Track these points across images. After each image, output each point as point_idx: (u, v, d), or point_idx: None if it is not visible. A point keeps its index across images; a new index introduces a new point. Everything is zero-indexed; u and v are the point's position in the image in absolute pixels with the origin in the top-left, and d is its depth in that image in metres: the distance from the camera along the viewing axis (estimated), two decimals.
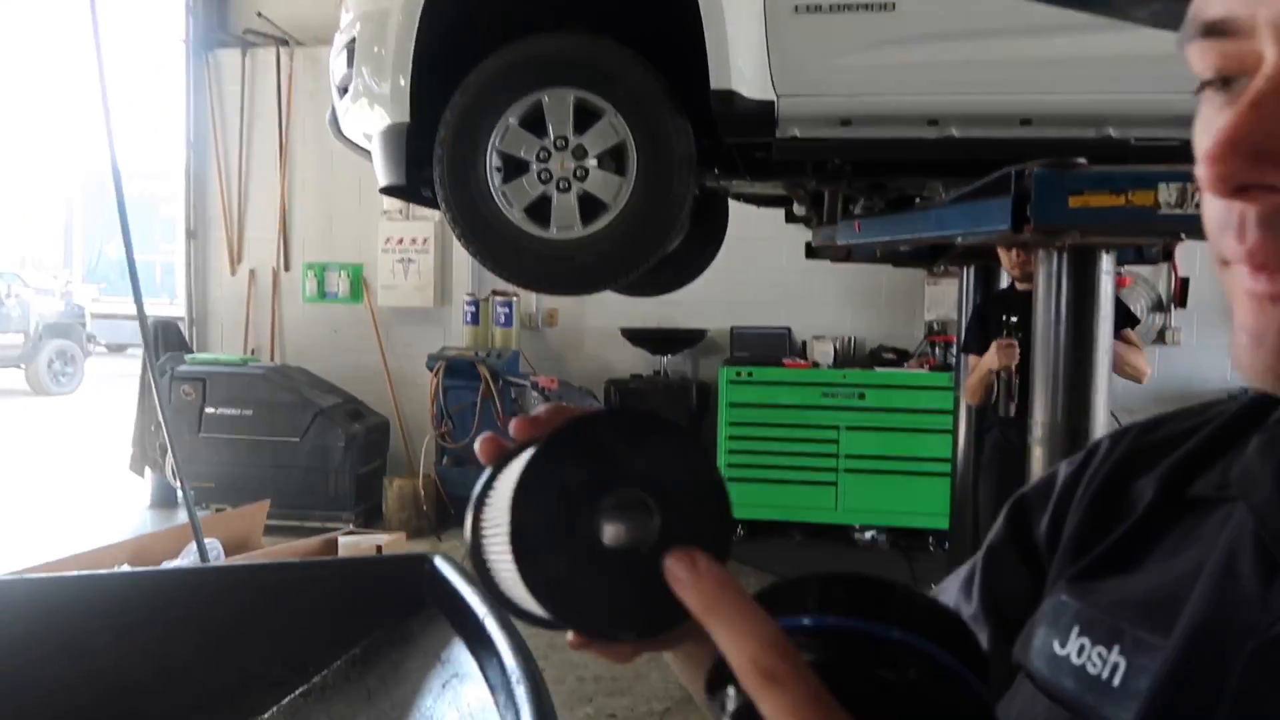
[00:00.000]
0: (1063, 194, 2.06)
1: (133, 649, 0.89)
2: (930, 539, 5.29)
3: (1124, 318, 3.02)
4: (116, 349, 15.21)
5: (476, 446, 0.45)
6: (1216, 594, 0.40)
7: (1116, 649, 0.43)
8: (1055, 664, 0.46)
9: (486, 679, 0.73)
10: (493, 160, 2.50)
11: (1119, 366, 2.93)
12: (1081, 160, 2.11)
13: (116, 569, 0.89)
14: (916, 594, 0.38)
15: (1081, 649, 0.45)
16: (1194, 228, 2.03)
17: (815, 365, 5.43)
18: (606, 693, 3.42)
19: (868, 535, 5.43)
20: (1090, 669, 0.44)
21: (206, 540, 3.56)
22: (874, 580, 0.37)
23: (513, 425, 0.44)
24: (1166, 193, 1.99)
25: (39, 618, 0.87)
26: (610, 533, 0.40)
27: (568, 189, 2.51)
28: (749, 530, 5.40)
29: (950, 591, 0.59)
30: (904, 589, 0.37)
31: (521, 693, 0.64)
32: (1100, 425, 2.53)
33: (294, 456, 5.50)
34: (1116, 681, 0.43)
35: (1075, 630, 0.46)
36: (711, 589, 0.34)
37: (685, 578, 0.35)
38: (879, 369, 5.35)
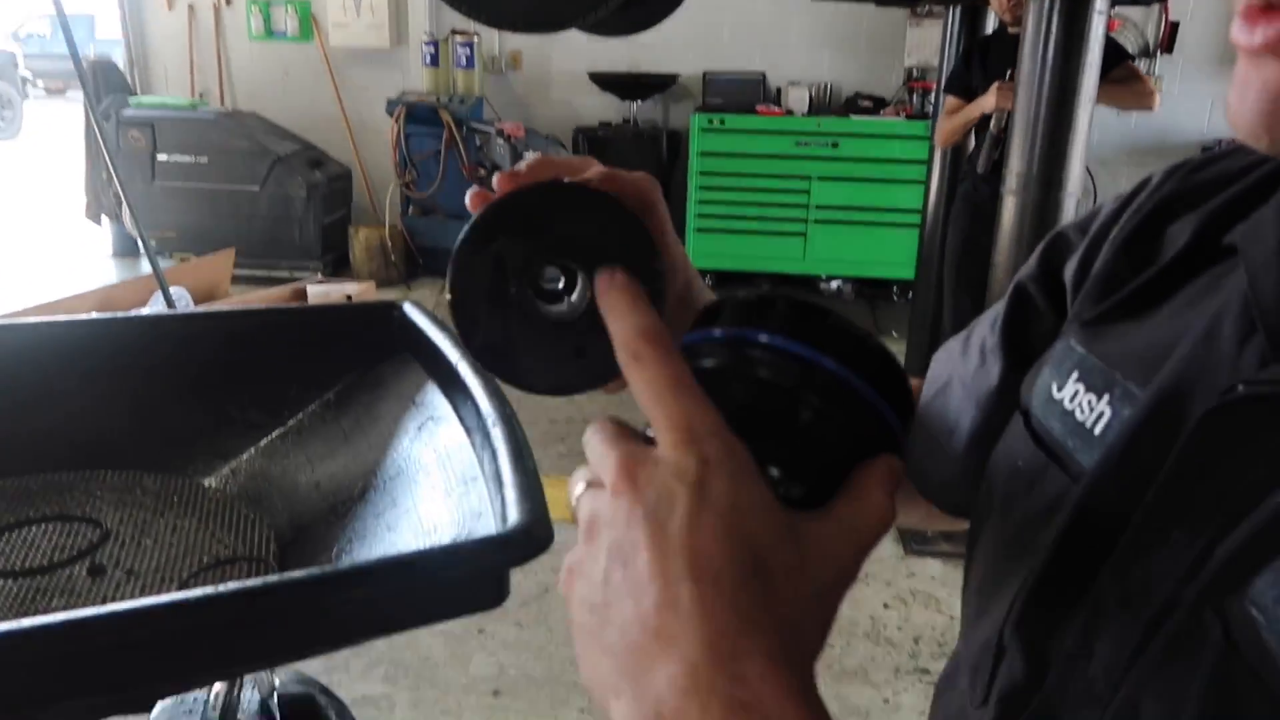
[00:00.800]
0: None
1: (103, 396, 0.88)
2: (895, 289, 5.38)
3: (1117, 55, 2.93)
4: (56, 92, 14.41)
5: (467, 200, 0.45)
6: (1194, 353, 0.39)
7: (1106, 398, 0.43)
8: (1049, 406, 0.46)
9: (462, 421, 0.74)
10: None
11: (1124, 101, 2.90)
12: None
13: (81, 317, 0.88)
14: (846, 322, 0.38)
15: (1075, 395, 0.45)
16: None
17: (789, 113, 5.27)
18: (578, 433, 3.56)
19: (834, 285, 5.51)
20: (1078, 415, 0.44)
21: (174, 289, 3.53)
22: (806, 306, 0.38)
23: (496, 180, 0.44)
24: None
25: (2, 365, 0.85)
26: (544, 300, 0.43)
27: None
28: (717, 280, 5.45)
29: (983, 323, 0.58)
30: (834, 316, 0.38)
31: (498, 434, 0.64)
32: (1075, 177, 2.50)
33: (255, 206, 5.37)
34: (1097, 430, 0.42)
35: (1074, 376, 0.45)
36: (614, 290, 0.39)
37: (601, 284, 0.40)
38: (854, 116, 5.20)
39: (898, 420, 0.38)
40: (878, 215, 5.14)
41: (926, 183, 3.98)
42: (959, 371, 0.57)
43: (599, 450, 0.37)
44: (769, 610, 0.32)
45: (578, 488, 0.38)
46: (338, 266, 5.57)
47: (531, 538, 0.49)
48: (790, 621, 0.32)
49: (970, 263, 3.26)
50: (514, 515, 0.53)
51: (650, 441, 0.36)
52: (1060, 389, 0.46)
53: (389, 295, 5.10)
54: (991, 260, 2.55)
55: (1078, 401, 0.44)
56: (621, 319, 0.38)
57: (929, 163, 3.96)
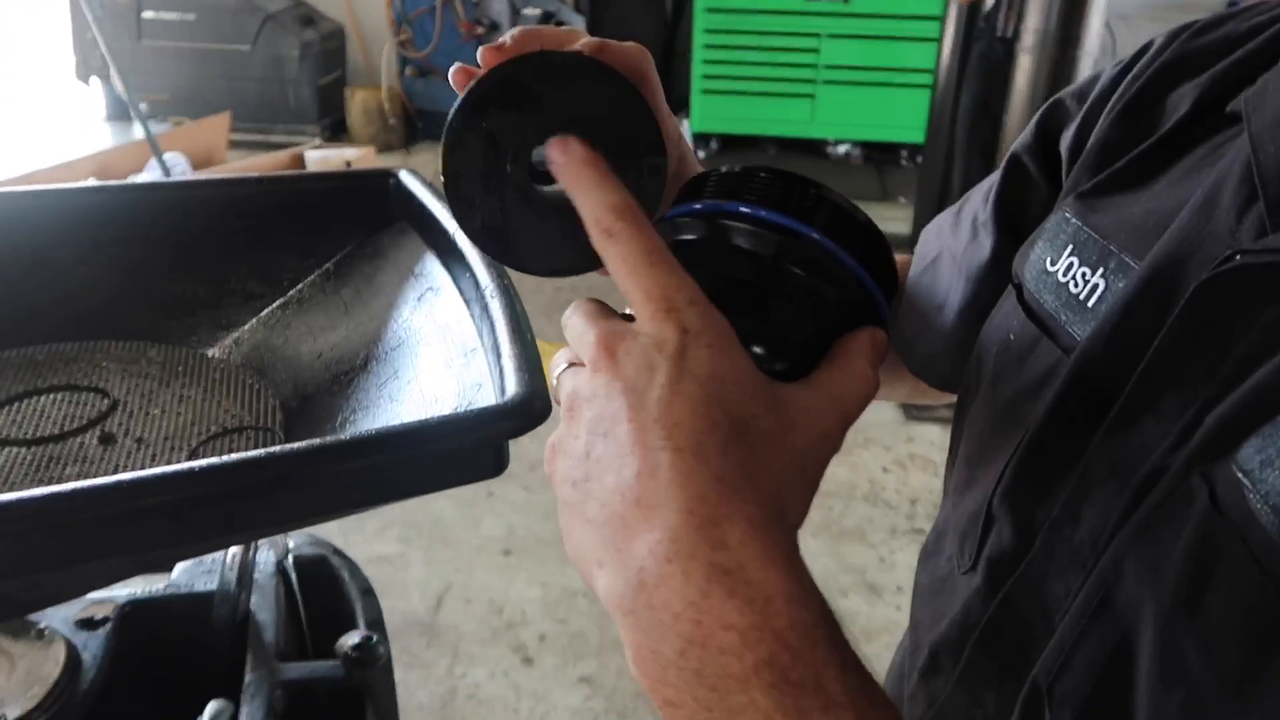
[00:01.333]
0: None
1: (102, 266, 0.88)
2: (903, 153, 5.27)
3: None
4: None
5: (450, 77, 0.43)
6: (1191, 223, 0.38)
7: (1100, 271, 0.42)
8: (1042, 280, 0.45)
9: (461, 292, 0.74)
10: None
11: None
12: None
13: (77, 186, 0.86)
14: (830, 193, 0.37)
15: (1069, 268, 0.44)
16: None
17: None
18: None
19: (841, 149, 5.40)
20: (1072, 288, 0.43)
21: (171, 154, 3.47)
22: (790, 176, 0.37)
23: (480, 54, 0.42)
24: None
25: (1, 236, 0.85)
26: (539, 180, 0.41)
27: None
28: (722, 144, 5.34)
29: (975, 196, 0.57)
30: (818, 187, 0.37)
31: (496, 306, 0.64)
32: (1094, 34, 2.41)
33: (247, 67, 5.21)
34: (1090, 302, 0.42)
35: (1068, 250, 0.44)
36: (575, 165, 0.38)
37: (557, 159, 0.38)
38: None
39: (881, 293, 0.38)
40: (888, 76, 4.98)
41: (940, 41, 3.83)
42: (949, 245, 0.56)
43: (579, 329, 0.37)
44: (750, 478, 0.32)
45: (559, 368, 0.38)
46: (335, 131, 5.45)
47: (529, 409, 0.50)
48: (772, 489, 0.33)
49: (984, 125, 3.18)
50: (512, 386, 0.53)
51: (630, 319, 0.36)
52: (1054, 262, 0.45)
53: (389, 161, 5.01)
54: (1002, 123, 2.49)
55: (1072, 274, 0.43)
56: (588, 195, 0.37)
57: (942, 19, 3.81)
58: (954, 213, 0.58)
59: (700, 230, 0.38)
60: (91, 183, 0.95)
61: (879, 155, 5.36)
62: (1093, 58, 2.37)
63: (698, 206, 0.38)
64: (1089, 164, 0.47)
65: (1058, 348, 0.43)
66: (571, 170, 0.38)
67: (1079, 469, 0.38)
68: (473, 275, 0.72)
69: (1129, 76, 0.47)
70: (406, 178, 0.90)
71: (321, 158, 3.69)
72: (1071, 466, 0.38)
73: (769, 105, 5.13)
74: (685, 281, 0.34)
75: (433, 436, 0.50)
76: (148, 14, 5.21)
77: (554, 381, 0.39)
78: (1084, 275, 0.43)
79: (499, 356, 0.59)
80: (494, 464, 0.52)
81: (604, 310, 0.37)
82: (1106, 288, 0.42)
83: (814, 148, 5.39)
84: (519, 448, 0.56)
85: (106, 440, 0.74)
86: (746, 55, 5.03)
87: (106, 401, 0.80)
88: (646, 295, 0.34)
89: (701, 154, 5.27)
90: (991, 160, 3.15)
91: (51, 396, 0.81)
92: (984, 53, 3.25)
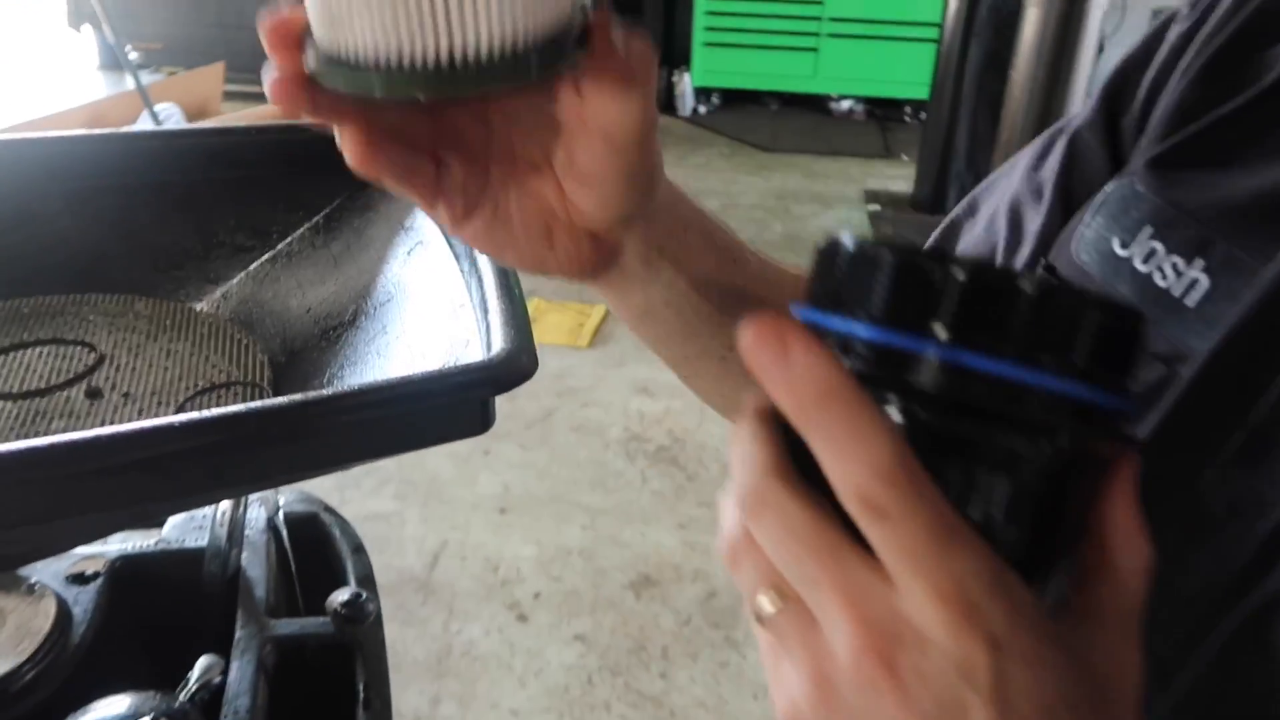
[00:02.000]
0: None
1: (89, 217, 0.87)
2: (907, 109, 5.22)
3: None
4: None
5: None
6: None
7: (1200, 263, 0.35)
8: (1112, 264, 0.38)
9: (450, 246, 0.73)
10: None
11: None
12: None
13: (62, 134, 0.85)
14: (1064, 291, 0.24)
15: (1151, 254, 0.37)
16: None
17: None
18: None
19: (844, 105, 5.34)
20: (1158, 280, 0.36)
21: (165, 105, 3.43)
22: (1002, 276, 0.24)
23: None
24: None
25: None
26: None
27: None
28: (724, 99, 5.28)
29: (1020, 166, 0.49)
30: (1084, 300, 0.24)
31: (484, 261, 0.63)
32: None
33: (242, 14, 5.14)
34: (1192, 301, 0.35)
35: (1148, 231, 0.37)
36: (811, 389, 0.24)
37: (770, 366, 0.25)
38: None
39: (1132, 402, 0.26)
40: (893, 29, 4.91)
41: None
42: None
43: (795, 557, 0.25)
44: None
45: (744, 573, 0.27)
46: None
47: (515, 366, 0.49)
48: None
49: (993, 79, 3.13)
50: (499, 343, 0.52)
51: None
52: (1126, 245, 0.38)
53: None
54: (1009, 77, 2.45)
55: (1157, 263, 0.36)
56: (832, 441, 0.24)
57: None
58: (986, 221, 0.50)
59: (914, 397, 0.24)
60: (76, 131, 0.93)
61: (882, 111, 5.30)
62: (1101, 10, 2.32)
63: (931, 354, 0.24)
64: (1160, 130, 0.40)
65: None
66: (802, 393, 0.24)
67: (1189, 507, 0.33)
68: None
69: (1204, 32, 0.41)
70: None
71: None
72: (1180, 504, 0.33)
73: (771, 59, 5.07)
74: (979, 557, 0.24)
75: (418, 392, 0.49)
76: None
77: (750, 606, 0.27)
78: (1176, 266, 0.36)
79: (486, 313, 0.58)
80: (480, 421, 0.51)
81: (833, 537, 0.25)
82: (1214, 286, 0.35)
83: (817, 103, 5.33)
84: (515, 405, 0.55)
85: (93, 395, 0.73)
86: (749, 6, 4.95)
87: (93, 355, 0.79)
88: (936, 592, 0.24)
89: (703, 109, 5.21)
90: (998, 115, 3.11)
91: (38, 350, 0.80)
92: (995, 5, 3.20)
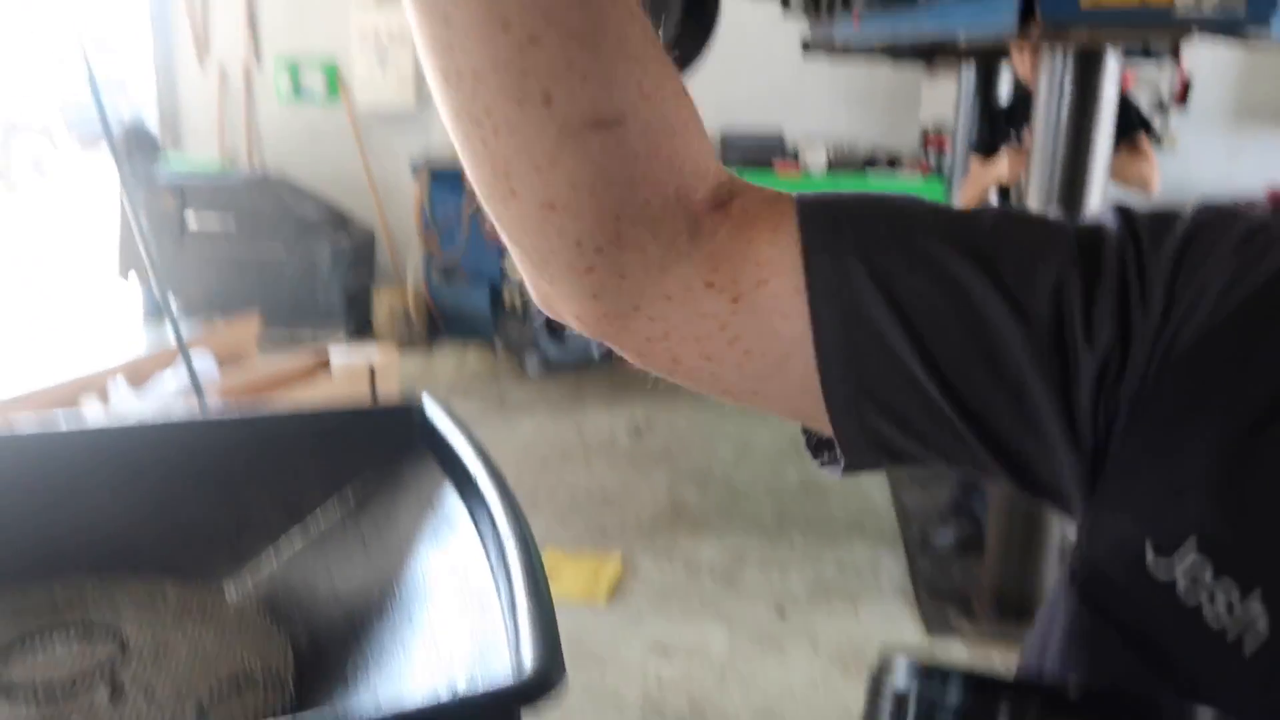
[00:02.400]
0: None
1: (124, 499, 0.90)
2: None
3: (1137, 122, 2.87)
4: (93, 143, 14.83)
5: None
6: None
7: (1257, 596, 0.27)
8: (1141, 581, 0.30)
9: (479, 534, 0.74)
10: None
11: (1125, 174, 2.83)
12: None
13: (109, 424, 0.89)
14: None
15: (1195, 582, 0.28)
16: (1209, 25, 1.93)
17: (807, 171, 5.31)
18: (597, 506, 3.55)
19: None
20: (1208, 617, 0.28)
21: (197, 354, 3.58)
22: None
23: None
24: None
25: (26, 473, 0.87)
26: None
27: None
28: None
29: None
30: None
31: (513, 555, 0.65)
32: None
33: (281, 271, 5.46)
34: (1249, 648, 0.27)
35: (1192, 544, 0.29)
36: None
37: None
38: (872, 175, 5.24)
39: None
40: None
41: None
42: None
43: None
44: None
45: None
46: (360, 328, 5.64)
47: (544, 685, 0.49)
48: None
49: None
50: (527, 654, 0.53)
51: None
52: (1162, 556, 0.29)
53: (411, 359, 5.14)
54: None
55: (1205, 592, 0.28)
56: None
57: None
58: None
59: None
60: (114, 424, 0.98)
61: None
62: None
63: None
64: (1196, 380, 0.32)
65: (1180, 703, 0.28)
66: None
67: None
68: (490, 516, 0.73)
69: (1222, 280, 0.34)
70: (430, 407, 0.92)
71: (346, 365, 3.80)
72: None
73: None
74: None
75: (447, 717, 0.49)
76: (192, 224, 5.50)
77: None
78: (1230, 597, 0.28)
79: (514, 614, 0.59)
80: None
81: None
82: (1274, 633, 0.27)
83: None
84: None
85: (116, 695, 0.72)
86: None
87: (118, 644, 0.79)
88: None
89: None
90: None
91: (66, 634, 0.81)
92: None
